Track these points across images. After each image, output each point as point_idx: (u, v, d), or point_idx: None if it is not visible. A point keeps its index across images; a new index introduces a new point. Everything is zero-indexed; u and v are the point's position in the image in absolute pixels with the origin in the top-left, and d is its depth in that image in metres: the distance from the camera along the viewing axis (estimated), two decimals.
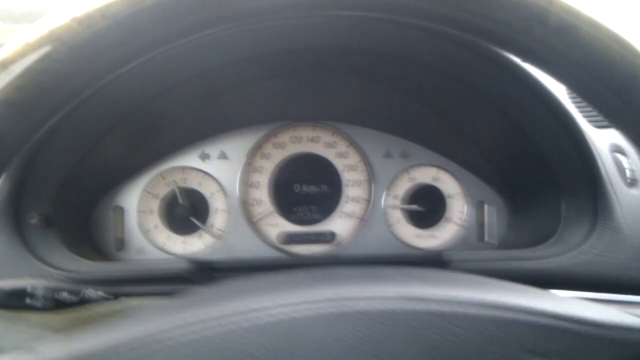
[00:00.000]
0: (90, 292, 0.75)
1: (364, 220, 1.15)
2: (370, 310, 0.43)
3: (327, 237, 1.15)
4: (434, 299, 0.44)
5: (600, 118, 1.03)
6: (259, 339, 0.42)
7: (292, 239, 1.14)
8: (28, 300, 0.72)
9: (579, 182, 0.95)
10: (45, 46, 0.38)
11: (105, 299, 0.76)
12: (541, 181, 1.02)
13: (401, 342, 0.42)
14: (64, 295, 0.74)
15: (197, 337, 0.42)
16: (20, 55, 0.38)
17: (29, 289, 0.71)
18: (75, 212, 1.01)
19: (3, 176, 0.86)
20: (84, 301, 0.75)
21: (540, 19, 0.41)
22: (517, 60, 0.90)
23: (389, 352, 0.42)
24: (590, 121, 1.02)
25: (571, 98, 1.03)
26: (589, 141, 0.93)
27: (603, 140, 0.97)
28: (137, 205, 1.10)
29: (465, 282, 0.50)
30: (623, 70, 0.41)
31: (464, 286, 0.47)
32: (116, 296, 0.78)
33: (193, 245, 1.12)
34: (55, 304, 0.74)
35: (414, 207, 1.15)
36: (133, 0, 0.38)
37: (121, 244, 1.10)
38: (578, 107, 1.01)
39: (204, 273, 0.94)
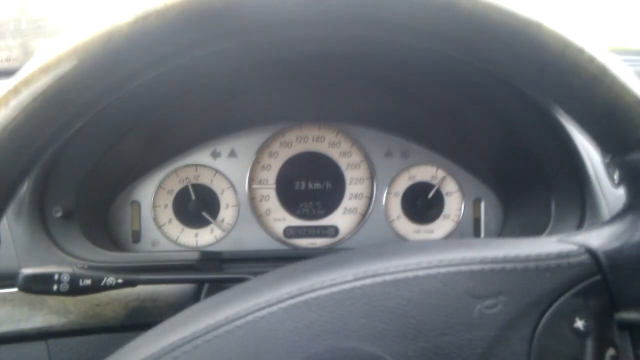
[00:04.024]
0: (111, 280, 0.82)
1: (365, 216, 1.22)
2: (330, 294, 0.48)
3: (330, 231, 1.22)
4: (385, 271, 0.49)
5: None
6: (237, 343, 0.46)
7: (297, 232, 1.21)
8: (54, 287, 0.79)
9: (568, 181, 1.00)
10: (66, 63, 0.44)
11: (122, 285, 0.83)
12: (533, 180, 1.08)
13: (363, 316, 0.47)
14: (87, 282, 0.81)
15: (182, 356, 0.46)
16: (49, 69, 0.44)
17: (55, 276, 0.79)
18: (95, 207, 1.09)
19: None
20: (103, 288, 0.83)
21: None
22: None
23: (353, 327, 0.47)
24: None
25: None
26: (578, 143, 0.98)
27: None
28: (153, 201, 1.17)
29: (413, 248, 0.54)
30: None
31: (413, 252, 0.52)
32: (133, 284, 0.85)
33: (204, 238, 1.19)
34: (78, 290, 0.81)
35: None
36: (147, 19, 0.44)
37: (137, 236, 1.17)
38: None
39: (213, 263, 1.01)
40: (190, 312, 0.54)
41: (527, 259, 0.49)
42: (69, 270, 0.80)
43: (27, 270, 0.79)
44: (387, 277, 0.48)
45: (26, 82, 0.45)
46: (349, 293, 0.48)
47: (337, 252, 0.64)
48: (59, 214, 0.95)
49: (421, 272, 0.48)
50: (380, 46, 0.98)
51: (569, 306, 0.49)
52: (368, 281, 0.48)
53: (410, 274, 0.48)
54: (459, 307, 0.47)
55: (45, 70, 0.44)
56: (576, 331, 0.49)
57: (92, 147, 1.01)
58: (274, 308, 0.48)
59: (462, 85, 1.04)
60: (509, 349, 0.47)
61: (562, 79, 0.48)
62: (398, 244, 0.62)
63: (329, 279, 0.49)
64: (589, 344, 0.48)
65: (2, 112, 0.44)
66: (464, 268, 0.48)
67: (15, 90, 0.45)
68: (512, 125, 1.05)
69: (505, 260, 0.49)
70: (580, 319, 0.49)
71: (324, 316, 0.47)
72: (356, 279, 0.48)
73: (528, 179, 1.10)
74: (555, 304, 0.48)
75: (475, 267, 0.48)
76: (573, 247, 0.50)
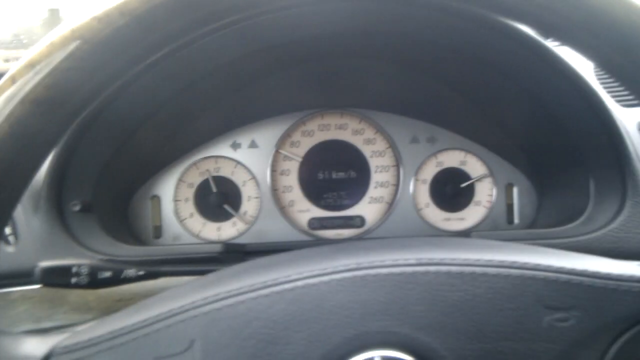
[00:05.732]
0: (131, 272, 0.79)
1: (393, 205, 1.17)
2: (390, 275, 0.45)
3: (356, 222, 1.18)
4: (452, 262, 0.46)
5: (627, 97, 1.03)
6: (283, 306, 0.44)
7: (321, 224, 1.17)
8: (73, 279, 0.76)
9: (606, 160, 0.95)
10: (68, 45, 0.40)
11: (143, 278, 0.80)
12: (569, 161, 1.02)
13: (422, 304, 0.44)
14: (106, 274, 0.78)
15: (225, 309, 0.44)
16: (46, 55, 0.40)
17: (74, 269, 0.76)
18: (114, 200, 1.06)
19: (46, 166, 0.91)
20: (124, 280, 0.80)
21: None
22: (542, 40, 0.90)
23: (410, 313, 0.44)
24: (617, 100, 1.01)
25: (598, 78, 1.02)
26: (616, 119, 0.93)
27: (631, 118, 0.96)
28: (173, 194, 1.14)
29: (481, 246, 0.51)
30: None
31: (481, 249, 0.49)
32: (155, 276, 0.82)
33: (227, 232, 1.16)
34: (98, 283, 0.78)
35: None
36: None
37: (158, 231, 1.14)
38: (605, 86, 1.01)
39: (237, 256, 0.97)
40: (238, 268, 0.52)
41: (608, 277, 0.46)
42: (88, 262, 0.77)
43: (44, 263, 0.76)
44: (453, 268, 0.45)
45: (36, 60, 0.41)
46: (411, 277, 0.45)
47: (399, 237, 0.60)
48: (77, 208, 0.93)
49: (491, 270, 0.45)
50: (401, 20, 0.94)
51: None
52: (432, 268, 0.45)
53: (478, 270, 0.45)
54: (527, 314, 0.44)
55: (45, 54, 0.41)
56: None
57: (108, 140, 0.98)
58: (327, 278, 0.45)
59: (490, 60, 0.98)
60: None
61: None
62: (465, 239, 0.59)
63: (390, 258, 0.46)
64: None
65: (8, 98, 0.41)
66: (538, 274, 0.45)
67: (22, 72, 0.41)
68: (545, 102, 0.99)
69: (584, 274, 0.46)
70: None
71: (380, 296, 0.44)
72: (420, 264, 0.46)
73: (563, 160, 1.04)
74: (632, 331, 0.45)
75: (550, 275, 0.45)
76: None
